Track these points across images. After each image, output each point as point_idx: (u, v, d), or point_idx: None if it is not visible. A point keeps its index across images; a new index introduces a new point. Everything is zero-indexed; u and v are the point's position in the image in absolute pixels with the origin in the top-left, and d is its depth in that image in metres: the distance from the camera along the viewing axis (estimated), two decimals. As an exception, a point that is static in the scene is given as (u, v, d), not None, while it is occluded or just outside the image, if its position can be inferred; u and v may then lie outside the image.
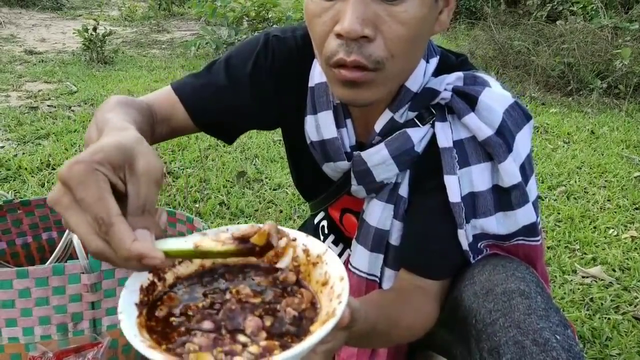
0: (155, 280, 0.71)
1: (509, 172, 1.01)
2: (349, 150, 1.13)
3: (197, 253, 0.66)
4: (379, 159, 1.08)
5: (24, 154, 3.02)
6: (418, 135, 1.07)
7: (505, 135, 1.02)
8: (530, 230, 1.08)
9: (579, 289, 2.01)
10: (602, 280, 2.07)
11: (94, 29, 5.74)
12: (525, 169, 1.05)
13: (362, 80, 0.92)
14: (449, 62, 1.13)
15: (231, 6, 6.64)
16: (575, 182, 2.97)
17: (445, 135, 1.05)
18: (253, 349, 0.60)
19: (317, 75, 1.13)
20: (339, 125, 1.12)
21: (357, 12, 0.87)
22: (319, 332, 0.58)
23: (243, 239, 0.67)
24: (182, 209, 2.49)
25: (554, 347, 0.87)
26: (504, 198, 1.05)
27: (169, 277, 0.73)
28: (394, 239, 1.14)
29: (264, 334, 0.63)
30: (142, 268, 0.63)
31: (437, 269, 1.09)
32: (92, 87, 4.67)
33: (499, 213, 1.06)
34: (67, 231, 1.39)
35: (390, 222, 1.13)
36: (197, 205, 2.56)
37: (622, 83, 4.73)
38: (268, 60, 1.16)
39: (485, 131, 1.01)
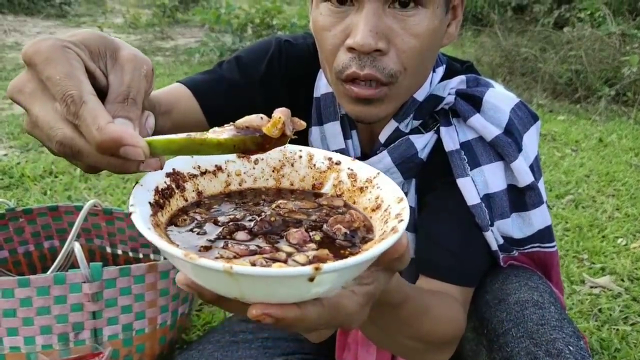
0: (173, 186, 0.62)
1: (522, 172, 1.00)
2: None
3: (191, 143, 0.54)
4: (382, 168, 1.07)
5: (26, 161, 3.01)
6: (421, 142, 1.06)
7: (514, 134, 1.01)
8: (545, 234, 1.06)
9: (587, 300, 1.98)
10: (610, 290, 2.04)
11: (99, 36, 5.75)
12: (534, 172, 1.03)
13: (376, 97, 0.91)
14: (454, 69, 1.12)
15: (235, 13, 6.66)
16: (584, 190, 2.94)
17: (451, 138, 1.03)
18: (300, 258, 0.51)
19: (322, 85, 1.12)
20: (345, 136, 1.11)
21: (370, 25, 0.86)
22: (380, 245, 0.49)
23: (247, 129, 0.56)
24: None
25: (567, 358, 0.86)
26: (519, 199, 1.03)
27: (189, 187, 0.64)
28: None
29: (312, 246, 0.54)
30: (124, 166, 0.53)
31: (455, 271, 1.02)
32: (96, 94, 4.66)
33: (513, 214, 1.04)
34: (68, 240, 1.37)
35: None
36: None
37: (631, 90, 4.70)
38: (282, 63, 1.15)
39: (492, 131, 1.00)
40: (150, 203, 0.56)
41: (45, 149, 3.02)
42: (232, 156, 0.65)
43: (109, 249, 1.71)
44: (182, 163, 0.64)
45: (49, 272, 1.28)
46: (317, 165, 0.69)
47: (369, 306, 0.61)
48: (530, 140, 1.03)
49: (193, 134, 0.54)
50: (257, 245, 0.53)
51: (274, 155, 0.68)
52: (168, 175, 0.61)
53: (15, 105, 4.18)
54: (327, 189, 0.67)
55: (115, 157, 0.51)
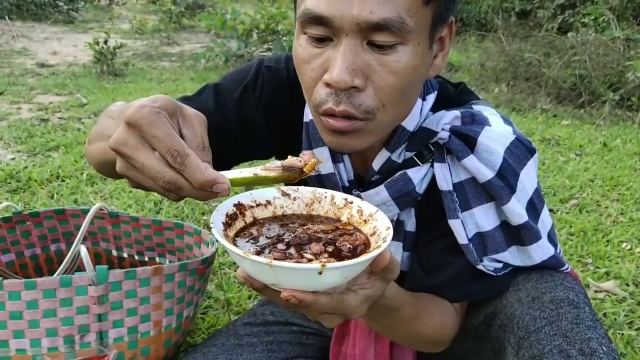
0: (237, 212, 0.85)
1: (514, 213, 1.00)
2: (347, 184, 1.12)
3: (255, 179, 0.79)
4: (379, 201, 1.08)
5: (34, 165, 3.03)
6: (418, 176, 1.06)
7: (506, 177, 1.00)
8: (553, 264, 1.07)
9: (591, 304, 1.97)
10: (615, 295, 2.04)
11: (105, 42, 5.78)
12: (535, 204, 1.04)
13: (351, 129, 0.91)
14: (447, 94, 1.11)
15: (241, 19, 6.68)
16: (588, 195, 2.94)
17: (445, 177, 1.04)
18: (316, 262, 0.72)
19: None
20: (336, 160, 1.11)
21: (347, 61, 0.85)
22: (364, 256, 0.71)
23: (290, 168, 0.81)
24: (190, 221, 2.48)
25: (601, 357, 0.86)
26: (514, 233, 1.04)
27: (248, 214, 0.87)
28: (405, 266, 1.15)
29: (326, 255, 0.76)
30: (210, 196, 0.72)
31: (450, 297, 1.10)
32: (102, 99, 4.69)
33: (512, 247, 1.05)
34: (75, 243, 1.38)
35: (401, 255, 1.15)
36: (205, 218, 2.55)
37: (635, 95, 4.69)
38: (256, 92, 1.16)
39: (485, 173, 1.00)
40: (222, 222, 0.81)
41: (52, 153, 3.03)
42: (278, 193, 0.90)
43: (114, 252, 1.71)
44: (244, 198, 0.88)
45: (55, 275, 1.28)
46: (337, 203, 0.91)
47: (367, 304, 0.80)
48: (528, 175, 1.03)
49: (253, 169, 0.79)
50: (289, 253, 0.76)
51: (307, 195, 0.92)
52: (235, 205, 0.85)
53: (22, 110, 4.22)
54: (342, 219, 0.89)
55: (205, 191, 0.70)
